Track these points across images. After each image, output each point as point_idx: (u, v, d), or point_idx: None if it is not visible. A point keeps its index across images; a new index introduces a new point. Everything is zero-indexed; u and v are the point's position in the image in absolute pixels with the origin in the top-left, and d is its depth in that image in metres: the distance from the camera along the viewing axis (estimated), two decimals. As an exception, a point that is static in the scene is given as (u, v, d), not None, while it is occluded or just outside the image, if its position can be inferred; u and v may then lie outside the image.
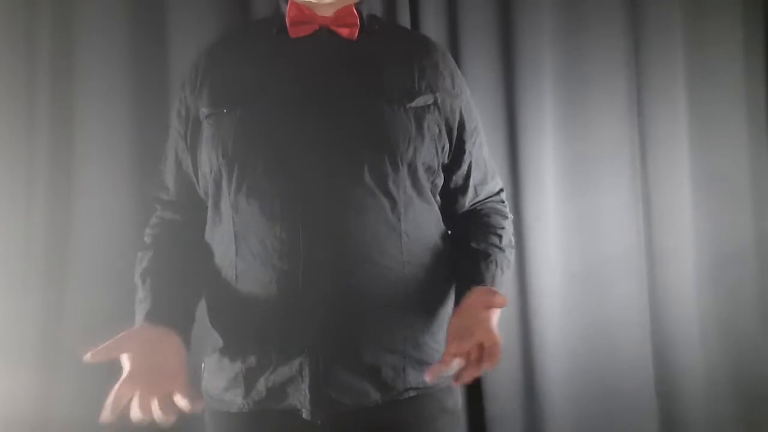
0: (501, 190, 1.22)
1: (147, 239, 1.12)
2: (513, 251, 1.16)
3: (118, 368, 1.47)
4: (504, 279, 1.10)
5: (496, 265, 1.08)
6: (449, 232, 1.13)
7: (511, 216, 1.20)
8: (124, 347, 0.93)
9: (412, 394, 1.03)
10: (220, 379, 1.05)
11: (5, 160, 1.45)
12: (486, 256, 1.09)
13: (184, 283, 1.06)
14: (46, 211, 1.44)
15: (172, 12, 1.48)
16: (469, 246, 1.11)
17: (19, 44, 1.46)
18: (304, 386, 0.99)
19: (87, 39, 1.46)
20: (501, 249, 1.11)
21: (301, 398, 0.99)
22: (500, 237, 1.13)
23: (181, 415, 1.42)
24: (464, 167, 1.12)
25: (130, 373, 0.91)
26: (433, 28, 1.55)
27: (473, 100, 1.17)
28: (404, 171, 1.02)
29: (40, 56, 1.45)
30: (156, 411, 0.88)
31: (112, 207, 1.45)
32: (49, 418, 1.40)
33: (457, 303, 1.05)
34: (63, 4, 1.46)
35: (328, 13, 1.07)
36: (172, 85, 1.47)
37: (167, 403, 0.89)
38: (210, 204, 1.07)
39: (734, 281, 1.67)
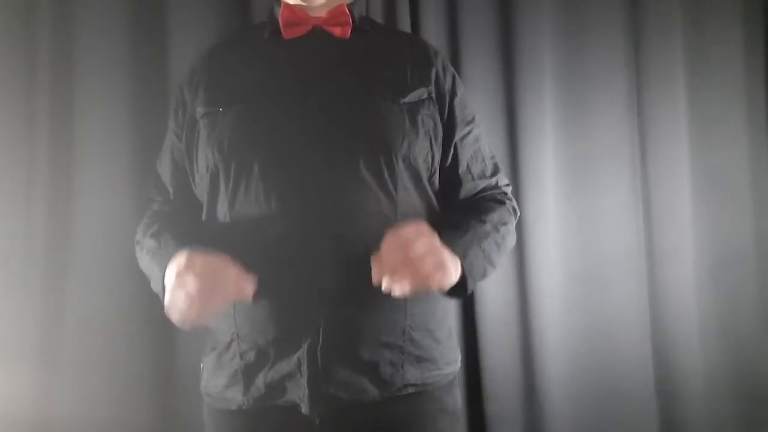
0: (507, 184, 1.22)
1: (146, 220, 1.14)
2: (507, 234, 1.13)
3: (118, 369, 1.47)
4: (483, 254, 1.05)
5: (466, 232, 1.04)
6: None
7: (511, 204, 1.18)
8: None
9: (410, 390, 1.04)
10: (219, 377, 1.05)
11: (5, 160, 1.45)
12: (457, 224, 1.06)
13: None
14: (46, 211, 1.44)
15: (172, 12, 1.48)
16: (449, 219, 1.09)
17: (19, 44, 1.46)
18: (303, 381, 0.99)
19: (87, 39, 1.46)
20: (482, 221, 1.08)
21: (300, 393, 1.00)
22: (486, 214, 1.10)
23: (182, 414, 1.43)
24: (459, 160, 1.13)
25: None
26: (433, 28, 1.55)
27: (473, 99, 1.18)
28: (400, 166, 1.03)
29: (40, 56, 1.45)
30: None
31: (112, 207, 1.45)
32: (49, 418, 1.40)
33: None
34: (63, 4, 1.46)
35: (321, 13, 1.09)
36: (172, 85, 1.47)
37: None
38: (206, 203, 1.08)
39: (734, 281, 1.67)
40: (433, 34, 1.52)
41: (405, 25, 1.51)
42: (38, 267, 1.44)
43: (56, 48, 1.46)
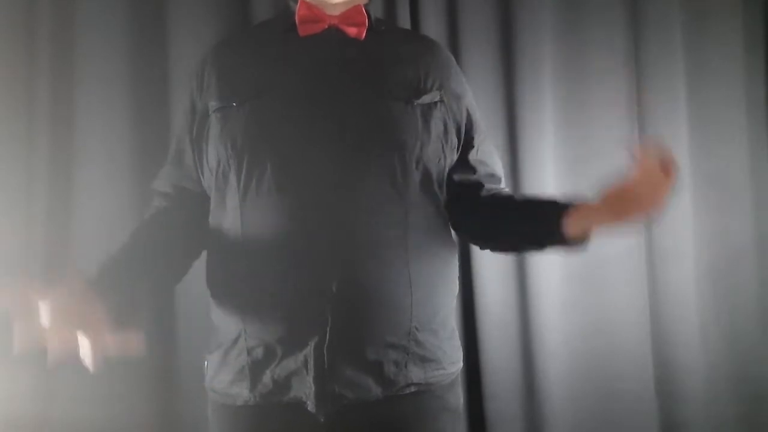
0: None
1: (140, 226, 1.13)
2: None
3: (118, 369, 1.47)
4: None
5: None
6: (460, 227, 1.13)
7: None
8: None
9: (413, 389, 1.04)
10: (225, 373, 1.06)
11: (5, 160, 1.45)
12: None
13: (142, 277, 1.05)
14: (46, 210, 1.44)
15: (172, 12, 1.49)
16: (525, 200, 1.14)
17: (19, 44, 1.46)
18: (309, 379, 0.99)
19: (87, 39, 1.46)
20: None
21: (306, 391, 1.00)
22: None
23: (184, 413, 1.42)
24: (474, 164, 1.13)
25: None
26: (433, 28, 1.55)
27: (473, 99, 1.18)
28: (412, 167, 1.03)
29: (40, 56, 1.45)
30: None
31: (112, 207, 1.45)
32: (49, 418, 1.40)
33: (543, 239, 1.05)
34: (63, 4, 1.46)
35: (337, 12, 1.09)
36: (172, 84, 1.47)
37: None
38: (214, 198, 1.08)
39: (734, 281, 1.67)
40: (433, 33, 1.52)
41: (405, 23, 1.51)
42: (38, 267, 1.44)
43: (56, 48, 1.46)
